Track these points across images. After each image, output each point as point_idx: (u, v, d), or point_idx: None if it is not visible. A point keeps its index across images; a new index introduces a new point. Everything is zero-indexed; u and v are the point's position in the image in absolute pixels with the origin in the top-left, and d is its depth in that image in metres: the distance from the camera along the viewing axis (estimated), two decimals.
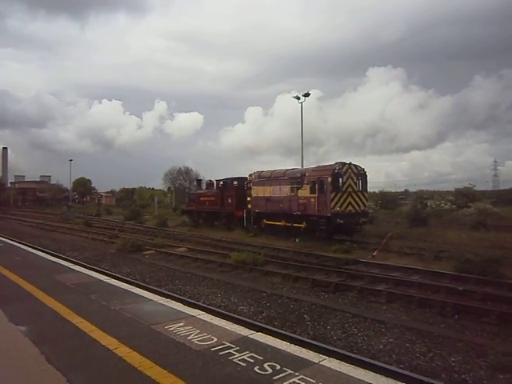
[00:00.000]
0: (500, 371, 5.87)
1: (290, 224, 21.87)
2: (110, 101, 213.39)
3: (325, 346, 6.44)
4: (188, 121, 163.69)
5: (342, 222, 19.29)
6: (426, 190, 56.48)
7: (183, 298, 9.43)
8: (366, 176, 21.01)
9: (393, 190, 57.28)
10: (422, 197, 43.32)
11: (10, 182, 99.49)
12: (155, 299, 6.91)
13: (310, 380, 3.68)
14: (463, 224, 25.96)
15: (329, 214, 19.36)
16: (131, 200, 67.84)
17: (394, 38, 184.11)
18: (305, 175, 21.48)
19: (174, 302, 6.95)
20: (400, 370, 5.59)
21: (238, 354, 4.30)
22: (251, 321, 7.79)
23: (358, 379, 3.74)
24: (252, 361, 4.14)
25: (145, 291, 7.74)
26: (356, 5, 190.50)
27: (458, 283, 10.89)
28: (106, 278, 9.14)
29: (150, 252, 17.95)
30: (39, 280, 8.33)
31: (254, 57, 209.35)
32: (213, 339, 4.78)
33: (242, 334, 5.05)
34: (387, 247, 17.30)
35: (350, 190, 19.95)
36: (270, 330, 6.84)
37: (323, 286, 11.11)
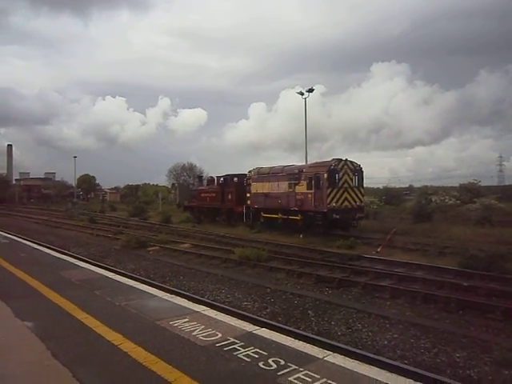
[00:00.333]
0: (505, 367, 5.85)
1: (285, 217, 22.29)
2: (114, 97, 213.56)
3: (329, 341, 6.45)
4: (192, 117, 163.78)
5: (338, 217, 19.63)
6: (430, 185, 56.20)
7: (188, 293, 9.45)
8: (362, 172, 21.31)
9: (397, 186, 57.04)
10: (426, 192, 43.12)
11: (15, 179, 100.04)
12: (160, 295, 6.94)
13: (315, 375, 3.69)
14: (468, 219, 25.84)
15: (325, 210, 19.74)
16: (135, 196, 67.97)
17: (397, 33, 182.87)
18: (302, 171, 21.82)
19: (178, 297, 6.97)
20: (404, 366, 5.58)
21: (242, 350, 4.31)
22: (255, 316, 7.80)
23: (363, 375, 3.74)
24: (256, 356, 4.14)
25: (149, 287, 7.77)
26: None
27: (463, 279, 10.86)
28: (111, 274, 9.18)
29: (154, 248, 18.00)
30: (44, 276, 8.38)
31: (257, 52, 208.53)
32: (217, 335, 4.79)
33: (247, 329, 5.06)
34: (391, 243, 17.28)
35: (346, 185, 20.32)
36: (275, 326, 6.85)
37: (327, 282, 11.11)
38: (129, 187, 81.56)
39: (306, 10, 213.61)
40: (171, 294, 7.45)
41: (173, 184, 66.58)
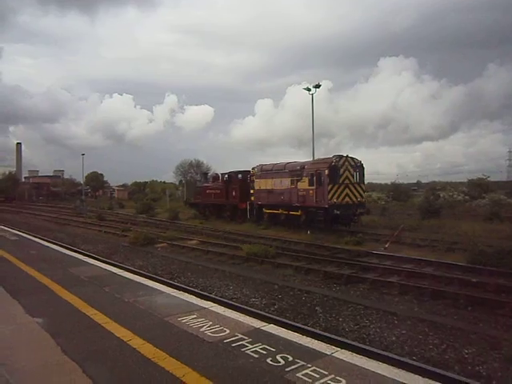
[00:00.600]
0: None
1: (287, 212, 22.77)
2: (121, 95, 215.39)
3: (337, 337, 6.45)
4: (198, 114, 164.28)
5: (338, 212, 19.96)
6: (438, 181, 55.97)
7: (195, 290, 9.51)
8: (363, 168, 21.62)
9: (405, 182, 56.77)
10: (434, 188, 42.92)
11: (25, 177, 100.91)
12: (168, 291, 6.97)
13: (323, 372, 3.69)
14: (476, 215, 25.66)
15: (326, 206, 20.10)
16: (143, 193, 68.26)
17: (405, 27, 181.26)
18: (304, 168, 22.15)
19: (186, 294, 7.00)
20: (413, 362, 5.57)
21: (250, 346, 4.33)
22: (263, 313, 7.83)
23: (371, 371, 3.74)
24: (264, 352, 4.16)
25: (157, 284, 7.82)
26: None
27: (472, 275, 10.79)
28: (119, 270, 9.24)
29: (162, 245, 18.10)
30: (54, 273, 8.46)
31: (263, 49, 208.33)
32: (225, 331, 4.81)
33: (255, 325, 5.08)
34: (399, 239, 17.21)
35: (347, 181, 20.65)
36: (282, 322, 6.87)
37: (335, 278, 11.10)
38: (136, 184, 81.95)
39: (310, 4, 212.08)
40: (179, 290, 7.49)
41: (180, 181, 66.90)
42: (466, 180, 44.00)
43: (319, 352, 4.21)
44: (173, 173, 70.20)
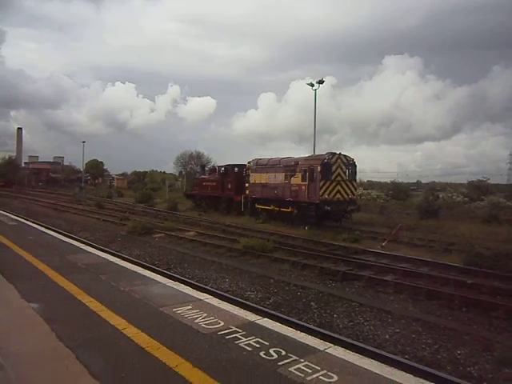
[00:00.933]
0: (506, 365, 5.85)
1: (278, 209, 23.20)
2: (124, 83, 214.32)
3: (330, 333, 6.48)
4: (201, 105, 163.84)
5: (329, 208, 20.40)
6: (438, 181, 55.96)
7: (191, 281, 9.53)
8: (355, 166, 22.23)
9: (405, 181, 56.76)
10: (434, 188, 42.92)
11: (24, 162, 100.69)
12: (164, 282, 6.99)
13: (315, 367, 3.71)
14: (475, 217, 25.69)
15: (317, 201, 20.55)
16: (143, 183, 68.24)
17: (412, 26, 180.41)
18: (298, 164, 22.65)
19: (182, 285, 7.02)
20: (405, 361, 5.60)
21: (244, 339, 4.34)
22: (258, 306, 7.85)
23: (363, 368, 3.76)
24: (258, 346, 4.18)
25: (154, 274, 7.83)
26: None
27: (468, 276, 10.82)
28: (116, 259, 9.26)
29: (159, 235, 18.12)
30: (51, 259, 8.47)
31: (267, 42, 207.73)
32: (220, 323, 4.83)
33: (249, 319, 5.09)
34: (397, 238, 17.24)
35: (339, 178, 21.14)
36: (277, 316, 6.90)
37: (331, 275, 11.13)
38: (136, 173, 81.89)
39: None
40: (175, 281, 7.52)
41: (180, 172, 66.83)
42: (466, 182, 44.08)
43: (312, 347, 4.23)
44: (173, 163, 70.33)
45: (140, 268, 8.37)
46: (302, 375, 3.55)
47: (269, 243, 14.45)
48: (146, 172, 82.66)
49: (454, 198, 36.79)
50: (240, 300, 8.12)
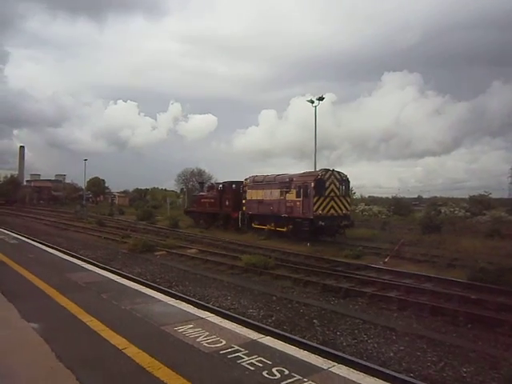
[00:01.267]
0: None
1: (274, 228, 23.68)
2: (126, 102, 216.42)
3: (334, 351, 6.39)
4: (202, 123, 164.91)
5: (323, 224, 20.83)
6: (439, 196, 55.88)
7: (193, 299, 9.44)
8: (348, 182, 23.02)
9: (406, 196, 56.70)
10: (435, 203, 42.85)
11: (26, 180, 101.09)
12: (165, 300, 6.93)
13: None
14: (477, 232, 25.56)
15: (311, 217, 20.98)
16: (144, 200, 68.30)
17: (411, 43, 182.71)
18: (292, 180, 23.24)
19: (183, 303, 6.95)
20: (410, 379, 5.51)
21: (246, 358, 4.28)
22: (260, 324, 7.77)
23: None
24: (260, 365, 4.11)
25: (155, 292, 7.76)
26: (373, 10, 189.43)
27: (472, 292, 10.72)
28: (118, 277, 9.20)
29: (161, 253, 18.03)
30: (52, 278, 8.42)
31: (268, 59, 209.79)
32: (221, 342, 4.77)
33: (251, 337, 5.03)
34: (399, 253, 17.13)
35: (332, 194, 21.68)
36: (279, 335, 6.81)
37: (334, 291, 11.03)
38: (138, 191, 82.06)
39: (319, 20, 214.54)
40: (176, 299, 7.45)
41: (181, 189, 66.96)
42: (467, 196, 44.01)
43: (316, 366, 4.16)
44: (174, 181, 70.47)
45: (141, 286, 8.31)
46: None
47: (271, 260, 14.35)
48: (148, 189, 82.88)
49: (455, 212, 36.70)
50: (242, 318, 8.03)
